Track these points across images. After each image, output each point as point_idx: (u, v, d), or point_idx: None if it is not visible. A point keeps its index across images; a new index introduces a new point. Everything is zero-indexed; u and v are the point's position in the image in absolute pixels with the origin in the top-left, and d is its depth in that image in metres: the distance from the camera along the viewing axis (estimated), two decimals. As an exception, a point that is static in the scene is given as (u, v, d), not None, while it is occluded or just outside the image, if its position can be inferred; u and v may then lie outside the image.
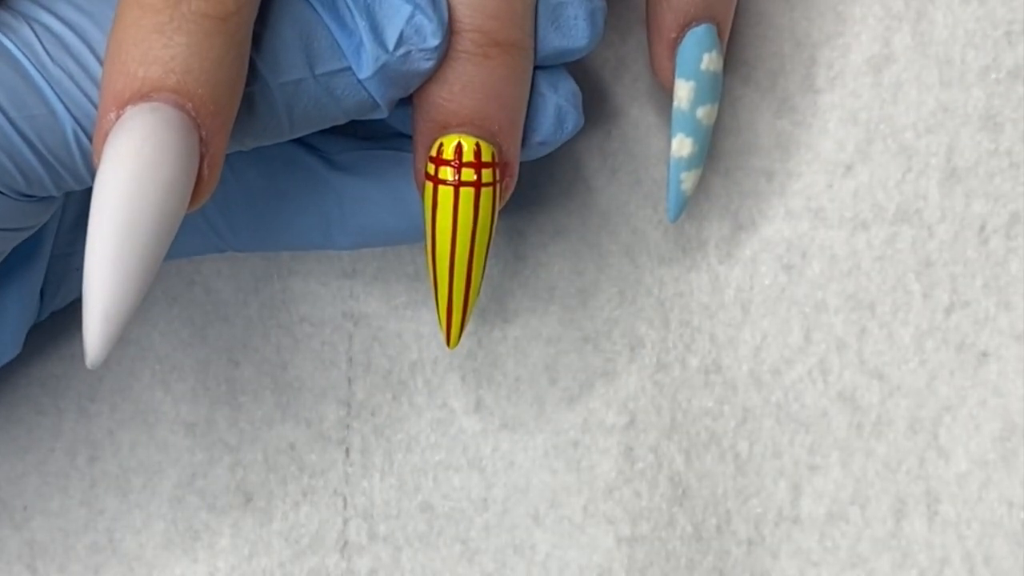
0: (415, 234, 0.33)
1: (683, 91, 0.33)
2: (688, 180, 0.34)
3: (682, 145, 0.34)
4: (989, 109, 0.37)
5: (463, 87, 0.29)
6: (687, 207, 0.35)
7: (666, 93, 0.37)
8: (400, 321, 0.37)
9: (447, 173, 0.30)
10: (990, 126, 0.37)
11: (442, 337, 0.32)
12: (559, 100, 0.31)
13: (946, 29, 0.37)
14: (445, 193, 0.30)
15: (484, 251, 0.31)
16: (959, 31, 0.37)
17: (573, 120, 0.31)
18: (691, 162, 0.34)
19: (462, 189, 0.30)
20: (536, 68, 0.31)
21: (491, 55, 0.29)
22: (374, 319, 0.37)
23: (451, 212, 0.30)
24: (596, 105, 0.37)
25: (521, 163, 0.31)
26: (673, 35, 0.33)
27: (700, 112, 0.33)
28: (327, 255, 0.37)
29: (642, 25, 0.37)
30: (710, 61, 0.33)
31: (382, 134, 0.34)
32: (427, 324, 0.37)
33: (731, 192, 0.37)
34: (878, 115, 0.37)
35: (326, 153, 0.34)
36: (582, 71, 0.36)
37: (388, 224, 0.34)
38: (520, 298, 0.37)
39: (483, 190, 0.30)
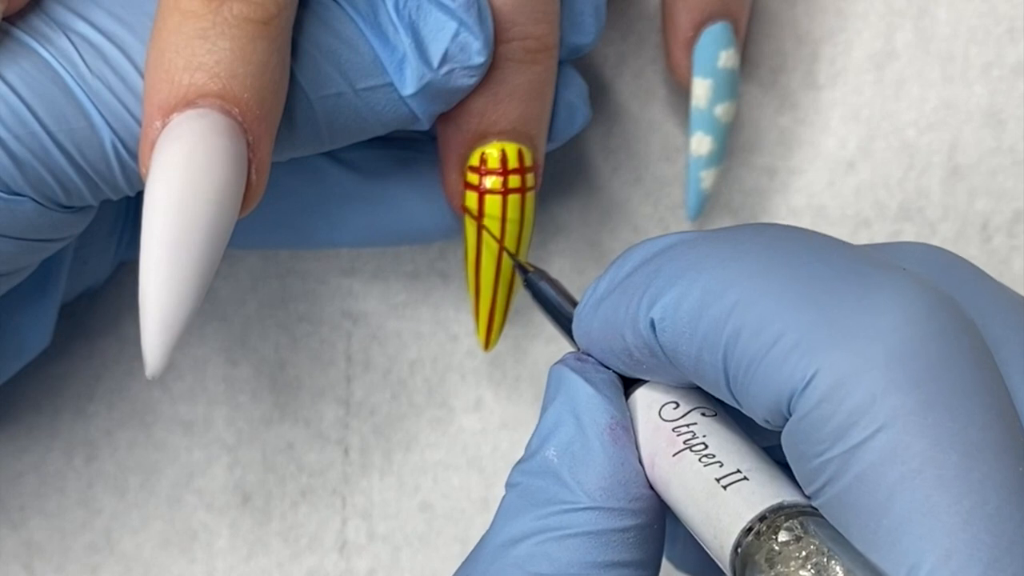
0: (424, 234, 0.33)
1: (701, 89, 0.33)
2: (708, 178, 0.34)
3: (701, 143, 0.34)
4: (992, 106, 0.37)
5: (509, 94, 0.29)
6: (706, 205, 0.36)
7: (673, 90, 0.37)
8: (399, 320, 0.37)
9: (495, 183, 0.30)
10: (992, 123, 0.37)
11: (479, 342, 0.33)
12: (569, 96, 0.31)
13: (948, 26, 0.37)
14: (493, 202, 0.30)
15: (526, 253, 0.31)
16: (961, 28, 0.37)
17: (583, 115, 0.32)
18: (710, 160, 0.34)
19: (510, 196, 0.30)
20: None
21: (538, 60, 0.29)
22: (373, 318, 0.37)
23: (500, 220, 0.30)
24: (597, 103, 0.36)
25: None
26: (690, 34, 0.33)
27: (718, 110, 0.34)
28: (325, 253, 0.37)
29: (642, 22, 0.37)
30: (727, 59, 0.33)
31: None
32: (426, 323, 0.37)
33: (732, 189, 0.37)
34: (880, 112, 0.37)
35: (331, 152, 0.33)
36: (583, 68, 0.36)
37: (390, 226, 0.33)
38: (520, 297, 0.37)
39: (528, 194, 0.31)
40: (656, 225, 0.37)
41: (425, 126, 0.29)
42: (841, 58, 0.37)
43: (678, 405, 0.26)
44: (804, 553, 0.22)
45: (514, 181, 0.30)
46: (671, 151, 0.37)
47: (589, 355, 0.27)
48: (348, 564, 0.37)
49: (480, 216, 0.31)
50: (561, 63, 0.31)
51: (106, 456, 0.37)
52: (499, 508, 0.26)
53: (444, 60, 0.28)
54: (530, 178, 0.30)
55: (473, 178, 0.30)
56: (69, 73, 0.26)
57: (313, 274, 0.37)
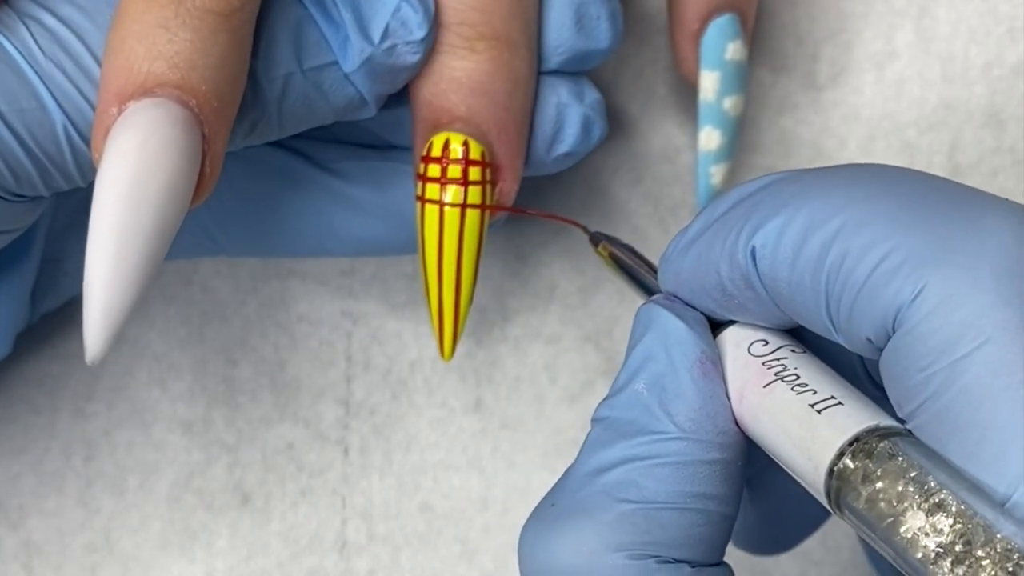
0: (409, 246, 0.33)
1: (708, 82, 0.33)
2: (718, 174, 0.34)
3: (710, 138, 0.33)
4: (992, 106, 0.37)
5: (449, 82, 0.29)
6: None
7: (673, 90, 0.37)
8: (399, 320, 0.37)
9: (434, 170, 0.30)
10: (993, 123, 0.37)
11: (436, 348, 0.32)
12: (585, 110, 0.31)
13: (949, 26, 0.37)
14: (432, 191, 0.30)
15: (474, 255, 0.30)
16: (962, 27, 0.37)
17: (599, 129, 0.31)
18: (720, 155, 0.34)
19: (449, 187, 0.30)
20: (560, 76, 0.31)
21: (477, 49, 0.29)
22: (373, 318, 0.37)
23: (438, 211, 0.30)
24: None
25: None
26: (696, 26, 0.33)
27: (727, 103, 0.33)
28: (326, 253, 0.37)
29: (642, 22, 0.37)
30: (735, 51, 0.33)
31: (378, 144, 0.34)
32: (426, 323, 0.37)
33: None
34: (880, 112, 0.37)
35: (321, 162, 0.33)
36: (583, 67, 0.36)
37: (382, 235, 0.33)
38: (520, 297, 0.37)
39: (470, 188, 0.30)
40: (656, 225, 0.37)
41: (373, 111, 0.29)
42: (841, 58, 0.37)
43: (767, 343, 0.26)
44: (900, 469, 0.23)
45: (454, 171, 0.30)
46: (671, 151, 0.37)
47: (676, 297, 0.27)
48: (348, 564, 0.37)
49: (422, 206, 0.30)
50: (577, 75, 0.31)
51: (105, 456, 0.37)
52: (585, 441, 0.26)
53: (385, 35, 0.28)
54: (474, 171, 0.30)
55: (420, 167, 0.30)
56: (21, 54, 0.26)
57: (313, 274, 0.37)
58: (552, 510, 0.26)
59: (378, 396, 0.37)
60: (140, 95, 0.25)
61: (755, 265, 0.25)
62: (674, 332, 0.26)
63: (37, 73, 0.26)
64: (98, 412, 0.37)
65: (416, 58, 0.29)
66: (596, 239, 0.31)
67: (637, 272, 0.30)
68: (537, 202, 0.37)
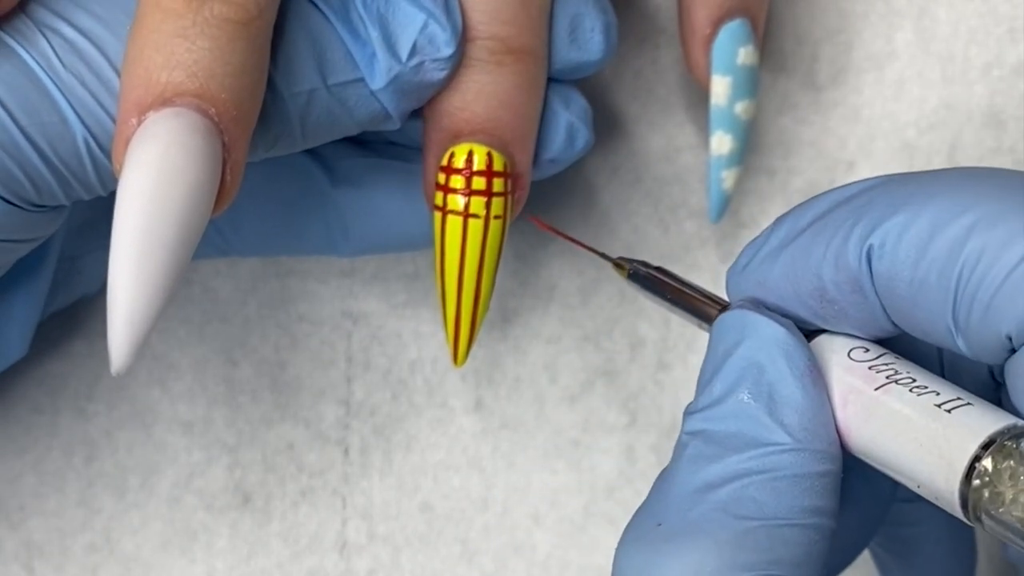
0: (417, 243, 0.33)
1: (720, 87, 0.33)
2: (729, 179, 0.34)
3: (721, 143, 0.33)
4: (992, 106, 0.37)
5: (476, 95, 0.29)
6: (728, 206, 0.35)
7: (672, 90, 0.37)
8: (399, 320, 0.37)
9: (458, 182, 0.30)
10: (993, 123, 0.37)
11: (448, 353, 0.32)
12: (570, 117, 0.31)
13: (948, 26, 0.37)
14: (455, 202, 0.30)
15: (494, 264, 0.31)
16: (961, 28, 0.37)
17: (584, 138, 0.31)
18: (731, 160, 0.34)
19: (473, 198, 0.30)
20: (548, 83, 0.30)
21: (505, 63, 0.29)
22: (373, 318, 0.37)
23: (461, 222, 0.30)
24: (597, 104, 0.36)
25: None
26: (707, 31, 0.33)
27: (739, 108, 0.33)
28: (326, 254, 0.37)
29: (642, 23, 0.37)
30: (746, 55, 0.33)
31: (380, 141, 0.34)
32: (426, 323, 0.37)
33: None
34: (880, 112, 0.37)
35: (328, 159, 0.33)
36: (583, 68, 0.36)
37: (389, 233, 0.33)
38: (520, 297, 0.37)
39: (494, 200, 0.30)
40: (656, 225, 0.37)
41: (397, 125, 0.29)
42: (841, 58, 0.37)
43: (867, 350, 0.25)
44: None
45: (478, 183, 0.30)
46: (671, 151, 0.37)
47: (762, 305, 0.27)
48: (348, 564, 0.37)
49: (444, 217, 0.30)
50: (564, 83, 0.31)
51: (106, 456, 0.37)
52: (681, 457, 0.25)
53: (413, 53, 0.28)
54: (498, 183, 0.30)
55: (440, 177, 0.30)
56: (41, 67, 0.26)
57: (313, 274, 0.37)
58: (660, 530, 0.25)
59: (378, 396, 0.37)
60: (159, 105, 0.25)
61: (869, 266, 0.24)
62: (778, 339, 0.25)
63: (57, 86, 0.26)
64: (99, 412, 0.37)
65: (443, 75, 0.28)
66: (626, 265, 0.30)
67: (682, 292, 0.29)
68: (537, 203, 0.37)
